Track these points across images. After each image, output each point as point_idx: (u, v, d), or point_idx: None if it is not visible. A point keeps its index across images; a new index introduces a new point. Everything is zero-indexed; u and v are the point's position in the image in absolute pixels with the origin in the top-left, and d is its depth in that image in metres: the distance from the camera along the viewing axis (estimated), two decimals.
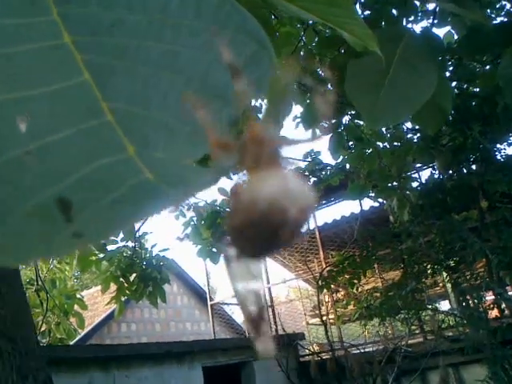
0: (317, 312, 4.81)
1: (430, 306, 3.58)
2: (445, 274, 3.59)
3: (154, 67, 0.18)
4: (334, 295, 4.94)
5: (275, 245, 0.14)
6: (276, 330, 5.38)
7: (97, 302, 7.88)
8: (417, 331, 3.89)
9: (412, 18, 2.05)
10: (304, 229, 0.14)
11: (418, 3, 1.81)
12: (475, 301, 3.14)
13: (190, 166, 0.15)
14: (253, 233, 0.13)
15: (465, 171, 3.10)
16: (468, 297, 3.34)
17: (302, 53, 2.55)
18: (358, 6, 1.89)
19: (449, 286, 3.87)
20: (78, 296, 3.97)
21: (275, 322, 5.49)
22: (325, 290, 4.30)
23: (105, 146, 0.15)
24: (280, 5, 0.36)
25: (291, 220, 0.13)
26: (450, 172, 3.11)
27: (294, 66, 0.14)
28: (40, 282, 3.50)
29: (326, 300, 4.91)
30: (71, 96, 0.16)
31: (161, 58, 0.18)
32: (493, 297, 3.26)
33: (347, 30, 0.37)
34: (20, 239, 0.12)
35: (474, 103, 2.69)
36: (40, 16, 0.18)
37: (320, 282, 3.98)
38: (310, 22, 2.27)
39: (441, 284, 4.15)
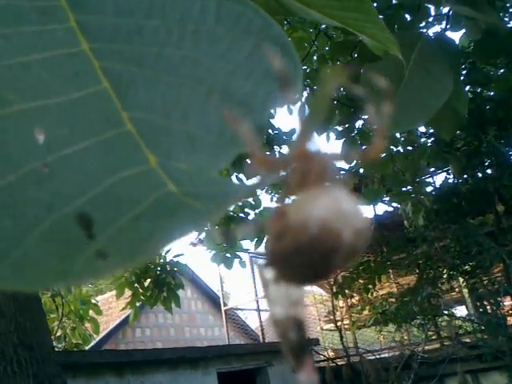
0: (331, 317, 4.77)
1: (446, 312, 3.53)
2: (461, 279, 3.55)
3: (175, 75, 0.17)
4: (349, 300, 4.90)
5: (325, 271, 0.13)
6: None
7: (111, 308, 7.91)
8: (433, 337, 3.84)
9: (425, 23, 2.03)
10: (358, 253, 0.13)
11: (431, 7, 1.80)
12: (493, 306, 3.09)
13: (215, 178, 0.14)
14: (300, 259, 0.12)
15: (480, 175, 3.06)
16: (485, 302, 3.29)
17: (314, 57, 2.55)
18: None
19: (465, 291, 3.82)
20: (93, 301, 3.99)
21: None
22: (339, 296, 4.27)
23: (125, 157, 0.14)
24: (302, 12, 0.35)
25: (344, 244, 0.12)
26: (465, 176, 3.08)
27: (339, 75, 0.13)
28: (55, 288, 3.53)
29: (341, 305, 4.87)
30: (89, 105, 0.15)
31: (181, 65, 0.18)
32: (511, 302, 3.21)
33: (367, 34, 0.37)
34: (39, 261, 0.11)
35: (488, 107, 2.66)
36: (57, 24, 0.18)
37: (334, 288, 3.95)
38: (323, 26, 2.27)
39: (457, 289, 4.10)
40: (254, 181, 0.14)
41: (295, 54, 0.18)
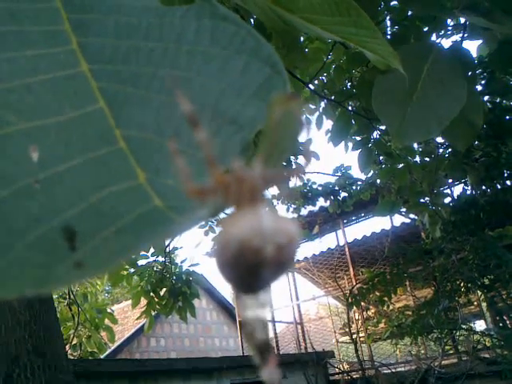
0: (347, 330, 4.73)
1: (464, 326, 3.47)
2: (479, 293, 3.48)
3: (168, 94, 0.18)
4: (365, 313, 4.85)
5: (260, 283, 0.14)
6: (305, 348, 5.32)
7: (127, 317, 7.96)
8: (451, 351, 3.77)
9: (442, 33, 2.03)
10: (288, 266, 0.14)
11: (447, 18, 1.79)
12: None
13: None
14: (234, 273, 0.14)
15: (499, 187, 3.02)
16: (505, 317, 3.22)
17: (333, 66, 2.55)
18: (388, 22, 1.88)
19: (484, 305, 3.75)
20: (109, 310, 4.02)
21: (304, 340, 5.42)
22: (355, 308, 4.23)
23: (115, 173, 0.15)
24: (303, 27, 0.36)
25: (268, 259, 0.13)
26: (484, 188, 3.03)
27: (299, 100, 0.14)
28: (72, 296, 3.57)
29: (357, 318, 4.82)
30: (85, 124, 0.16)
31: (174, 85, 0.19)
32: None
33: (369, 48, 0.37)
34: (21, 269, 0.12)
35: (507, 117, 2.63)
36: (59, 46, 0.19)
37: (350, 299, 3.91)
38: None
39: (475, 303, 4.03)
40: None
41: (285, 73, 0.19)
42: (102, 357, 4.06)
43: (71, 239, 0.12)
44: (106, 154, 0.15)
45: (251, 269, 0.13)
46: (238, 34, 0.20)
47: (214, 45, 0.20)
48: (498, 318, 3.54)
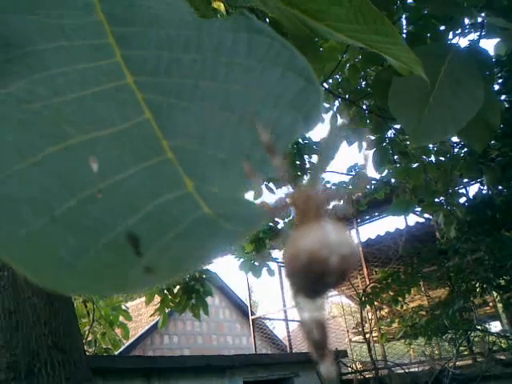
0: (360, 329, 4.71)
1: (479, 327, 3.44)
2: (495, 294, 3.45)
3: (209, 105, 0.19)
4: (378, 312, 4.83)
5: (324, 288, 0.16)
6: None
7: (141, 314, 8.02)
8: (465, 353, 3.74)
9: (459, 31, 2.01)
10: (348, 274, 0.16)
11: (464, 17, 1.78)
12: None
13: (243, 201, 0.16)
14: (303, 279, 0.15)
15: None
16: None
17: (347, 65, 2.55)
18: (404, 21, 1.88)
19: (500, 306, 3.71)
20: (123, 307, 4.05)
21: None
22: (368, 307, 4.22)
23: (166, 182, 0.16)
24: (328, 34, 0.37)
25: (333, 267, 0.15)
26: (500, 188, 3.00)
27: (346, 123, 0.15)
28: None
29: (370, 317, 4.81)
30: (134, 135, 0.17)
31: (215, 96, 0.20)
32: None
33: (392, 54, 0.38)
34: (99, 272, 0.13)
35: None
36: (105, 59, 0.20)
37: (363, 299, 3.90)
38: None
39: (491, 304, 3.99)
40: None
41: (318, 85, 0.20)
42: (116, 353, 4.10)
43: (136, 245, 0.14)
44: (156, 164, 0.16)
45: (317, 276, 0.15)
46: (272, 47, 0.21)
47: (250, 57, 0.21)
48: None
